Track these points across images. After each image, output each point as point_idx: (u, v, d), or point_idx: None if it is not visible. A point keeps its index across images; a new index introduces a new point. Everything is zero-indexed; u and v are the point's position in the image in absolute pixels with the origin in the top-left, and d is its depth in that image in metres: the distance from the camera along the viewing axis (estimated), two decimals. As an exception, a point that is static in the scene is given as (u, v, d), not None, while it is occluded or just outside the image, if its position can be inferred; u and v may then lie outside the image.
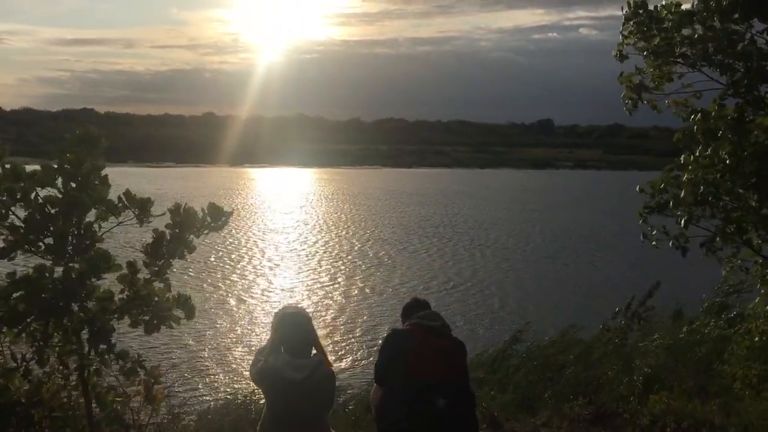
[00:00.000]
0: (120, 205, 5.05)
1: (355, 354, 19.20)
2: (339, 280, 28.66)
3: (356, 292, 26.51)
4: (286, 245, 37.01)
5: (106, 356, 4.94)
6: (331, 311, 23.67)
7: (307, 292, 26.40)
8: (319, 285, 27.75)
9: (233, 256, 33.08)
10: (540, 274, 30.26)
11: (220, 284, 27.03)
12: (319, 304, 24.65)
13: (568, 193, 77.52)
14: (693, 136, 6.45)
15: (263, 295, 25.81)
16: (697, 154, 6.33)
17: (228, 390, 15.56)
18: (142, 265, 5.04)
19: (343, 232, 41.91)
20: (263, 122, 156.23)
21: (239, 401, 8.06)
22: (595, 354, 8.18)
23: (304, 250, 35.80)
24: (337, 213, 52.15)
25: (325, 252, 35.25)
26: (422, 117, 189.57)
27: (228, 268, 30.11)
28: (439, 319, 4.38)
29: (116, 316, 4.91)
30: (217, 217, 5.12)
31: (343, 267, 31.37)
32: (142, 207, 5.12)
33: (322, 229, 43.18)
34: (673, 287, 19.28)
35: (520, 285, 28.00)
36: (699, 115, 6.39)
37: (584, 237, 41.76)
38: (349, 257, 33.79)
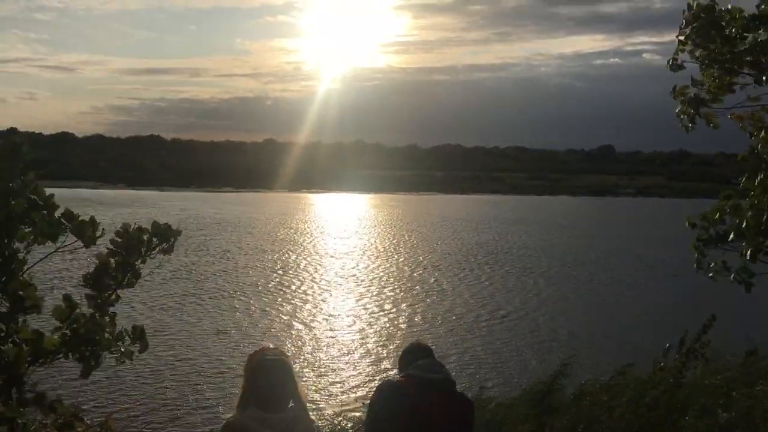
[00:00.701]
0: (61, 227, 4.27)
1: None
2: (388, 307, 28.34)
3: (404, 319, 26.16)
4: (339, 270, 36.93)
5: (30, 407, 4.11)
6: (379, 339, 23.33)
7: (355, 319, 26.15)
8: (368, 311, 27.47)
9: (285, 281, 33.20)
10: (592, 305, 29.37)
11: (269, 309, 27.08)
12: (367, 331, 24.36)
13: (628, 221, 75.51)
14: (761, 156, 5.59)
15: (312, 320, 25.69)
16: (763, 176, 5.49)
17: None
18: (85, 298, 4.28)
19: (396, 258, 41.66)
20: (321, 148, 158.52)
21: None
22: (648, 395, 7.65)
23: (356, 276, 35.66)
24: (390, 239, 51.97)
25: (376, 278, 35.02)
26: (479, 143, 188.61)
27: (278, 293, 30.20)
28: (441, 370, 3.83)
29: (46, 359, 4.10)
30: (165, 237, 4.47)
31: (393, 294, 31.05)
32: (79, 230, 4.30)
33: (374, 255, 43.03)
34: (740, 322, 18.34)
35: (570, 316, 27.16)
36: (764, 132, 5.57)
37: (642, 267, 40.43)
38: (401, 284, 33.47)
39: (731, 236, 5.52)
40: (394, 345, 22.40)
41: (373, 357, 21.18)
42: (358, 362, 20.66)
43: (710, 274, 5.69)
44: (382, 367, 20.18)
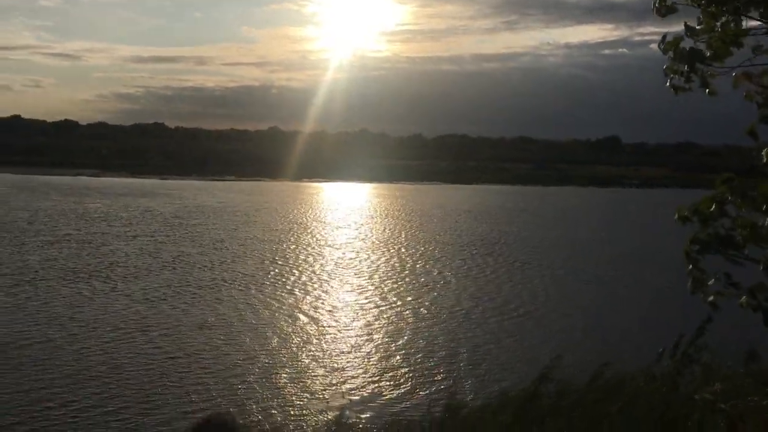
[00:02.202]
0: None
1: (410, 379, 18.24)
2: (392, 299, 27.67)
3: (409, 312, 25.46)
4: (340, 261, 36.31)
5: None
6: (383, 332, 22.68)
7: (359, 311, 25.50)
8: (371, 303, 26.80)
9: (285, 270, 32.63)
10: (589, 301, 28.67)
11: (269, 300, 26.47)
12: (372, 324, 23.72)
13: (633, 212, 74.68)
14: None
15: (311, 313, 25.08)
16: None
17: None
18: None
19: (400, 249, 40.96)
20: (326, 137, 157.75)
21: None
22: (639, 407, 7.03)
23: (357, 267, 35.00)
24: (393, 229, 51.31)
25: (380, 269, 34.34)
26: (485, 133, 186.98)
27: (279, 282, 29.63)
28: None
29: None
30: None
31: (397, 285, 30.37)
32: None
33: (376, 246, 42.39)
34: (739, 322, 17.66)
35: (566, 312, 26.48)
36: None
37: (644, 259, 39.72)
38: (405, 275, 32.77)
39: (739, 236, 3.84)
40: (397, 340, 21.85)
41: (377, 353, 20.61)
42: (358, 356, 20.08)
43: (710, 298, 3.94)
44: (387, 363, 19.62)
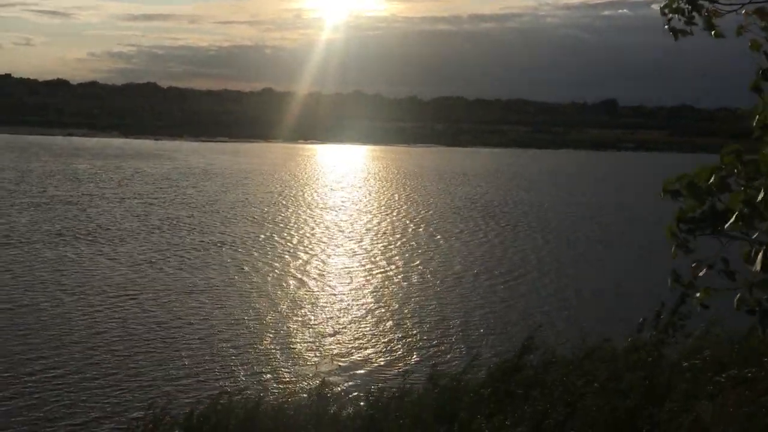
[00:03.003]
0: None
1: (397, 346, 18.05)
2: (383, 263, 27.35)
3: (401, 277, 25.10)
4: (332, 224, 35.99)
5: None
6: (373, 297, 22.43)
7: (350, 275, 25.13)
8: (362, 268, 26.49)
9: (281, 234, 32.30)
10: (582, 265, 28.49)
11: (263, 264, 26.10)
12: (362, 288, 23.44)
13: (628, 175, 74.37)
14: None
15: (304, 275, 24.79)
16: None
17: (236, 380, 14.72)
18: None
19: (393, 212, 40.61)
20: (320, 99, 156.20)
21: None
22: (623, 380, 6.74)
23: (351, 229, 34.65)
24: (388, 192, 50.92)
25: (373, 232, 34.04)
26: (482, 95, 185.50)
27: (275, 246, 29.28)
28: None
29: None
30: None
31: (389, 249, 30.04)
32: None
33: (370, 209, 42.04)
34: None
35: (551, 278, 26.23)
36: None
37: (636, 223, 39.51)
38: (397, 238, 32.45)
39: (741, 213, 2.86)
40: (385, 303, 21.63)
41: (363, 316, 20.39)
42: (346, 321, 19.86)
43: (696, 295, 3.04)
44: (371, 325, 19.40)
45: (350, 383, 15.11)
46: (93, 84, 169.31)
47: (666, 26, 3.73)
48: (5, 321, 18.32)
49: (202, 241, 29.78)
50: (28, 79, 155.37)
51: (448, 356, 17.02)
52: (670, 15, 3.70)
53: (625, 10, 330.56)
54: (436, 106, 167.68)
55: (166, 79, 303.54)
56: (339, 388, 13.28)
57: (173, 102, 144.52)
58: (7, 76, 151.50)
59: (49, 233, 29.64)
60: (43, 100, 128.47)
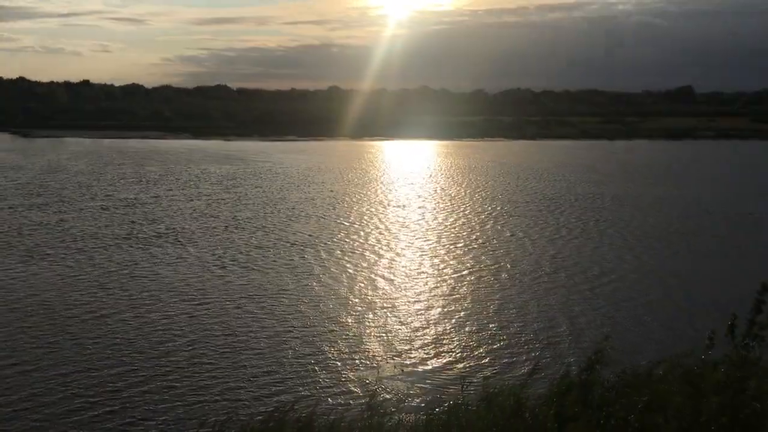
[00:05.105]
0: None
1: (475, 352, 17.46)
2: (461, 262, 26.73)
3: (481, 280, 24.25)
4: (404, 221, 35.44)
5: None
6: (451, 302, 21.69)
7: (428, 280, 24.30)
8: (441, 270, 25.72)
9: (352, 231, 32.10)
10: (649, 270, 27.01)
11: (330, 266, 25.88)
12: (442, 293, 22.74)
13: (707, 165, 71.08)
14: None
15: (374, 280, 24.40)
16: None
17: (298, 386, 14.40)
18: None
19: (464, 209, 39.60)
20: (386, 95, 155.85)
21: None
22: (707, 403, 5.95)
23: (422, 227, 34.00)
24: (457, 187, 49.97)
25: (445, 230, 33.29)
26: (550, 87, 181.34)
27: (342, 246, 29.05)
28: None
29: None
30: None
31: (465, 248, 29.29)
32: None
33: (441, 205, 41.26)
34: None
35: (640, 282, 25.02)
36: None
37: (722, 219, 37.49)
38: (470, 236, 31.66)
39: None
40: (453, 307, 21.03)
41: (431, 319, 19.85)
42: (415, 326, 19.30)
43: None
44: (438, 331, 18.85)
45: (408, 393, 14.61)
46: (166, 87, 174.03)
47: None
48: (70, 326, 18.63)
49: (270, 242, 29.78)
50: (105, 84, 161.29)
51: (509, 364, 16.32)
52: None
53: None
54: (502, 99, 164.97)
55: (235, 81, 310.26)
56: (395, 399, 12.81)
57: (242, 103, 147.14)
58: (86, 82, 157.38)
59: (118, 236, 30.27)
60: (119, 105, 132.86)
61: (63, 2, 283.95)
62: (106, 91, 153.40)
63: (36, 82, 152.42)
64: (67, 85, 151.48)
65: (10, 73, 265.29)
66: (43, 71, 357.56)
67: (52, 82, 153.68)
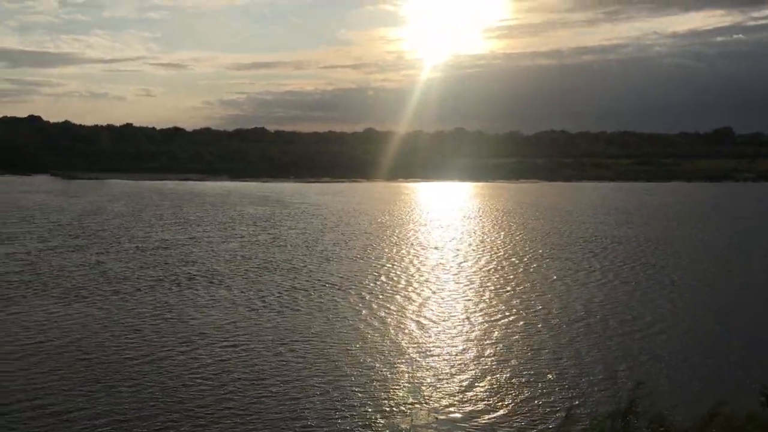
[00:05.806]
0: None
1: (509, 397, 17.20)
2: (498, 305, 26.46)
3: (518, 323, 23.93)
4: (440, 263, 35.32)
5: None
6: (487, 345, 21.43)
7: (464, 323, 24.05)
8: (476, 312, 25.53)
9: (386, 274, 32.11)
10: (713, 313, 26.43)
11: (370, 305, 25.90)
12: (477, 336, 22.50)
13: (748, 208, 69.66)
14: None
15: (411, 323, 24.29)
16: None
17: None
18: None
19: (500, 252, 39.25)
20: (422, 137, 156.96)
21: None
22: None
23: (459, 269, 33.85)
24: (492, 229, 49.75)
25: (482, 273, 33.10)
26: (585, 128, 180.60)
27: (380, 287, 29.04)
28: None
29: None
30: None
31: (500, 291, 29.07)
32: None
33: (477, 247, 41.05)
34: None
35: (688, 327, 24.50)
36: None
37: (759, 264, 36.58)
38: (509, 280, 31.39)
39: None
40: (488, 351, 20.77)
41: (466, 363, 19.63)
42: (450, 370, 19.10)
43: None
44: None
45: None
46: (206, 130, 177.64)
47: None
48: (101, 369, 18.86)
49: (303, 283, 29.88)
50: (147, 127, 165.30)
51: (542, 414, 15.98)
52: None
53: (740, 36, 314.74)
54: (537, 141, 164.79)
55: (273, 123, 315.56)
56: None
57: (279, 145, 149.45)
58: (129, 125, 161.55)
59: (153, 278, 30.69)
60: (160, 147, 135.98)
61: (107, 48, 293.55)
62: (147, 134, 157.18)
63: (80, 126, 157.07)
64: (111, 128, 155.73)
65: (56, 116, 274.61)
66: (88, 115, 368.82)
67: (96, 126, 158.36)
